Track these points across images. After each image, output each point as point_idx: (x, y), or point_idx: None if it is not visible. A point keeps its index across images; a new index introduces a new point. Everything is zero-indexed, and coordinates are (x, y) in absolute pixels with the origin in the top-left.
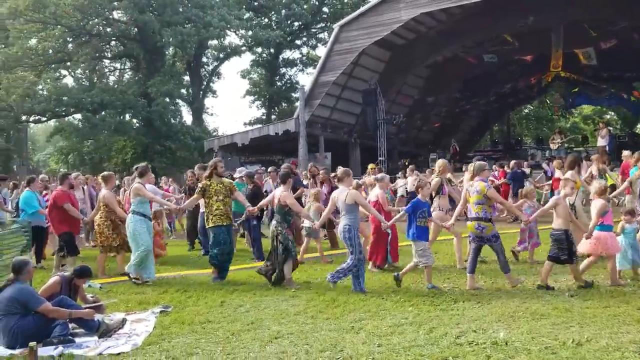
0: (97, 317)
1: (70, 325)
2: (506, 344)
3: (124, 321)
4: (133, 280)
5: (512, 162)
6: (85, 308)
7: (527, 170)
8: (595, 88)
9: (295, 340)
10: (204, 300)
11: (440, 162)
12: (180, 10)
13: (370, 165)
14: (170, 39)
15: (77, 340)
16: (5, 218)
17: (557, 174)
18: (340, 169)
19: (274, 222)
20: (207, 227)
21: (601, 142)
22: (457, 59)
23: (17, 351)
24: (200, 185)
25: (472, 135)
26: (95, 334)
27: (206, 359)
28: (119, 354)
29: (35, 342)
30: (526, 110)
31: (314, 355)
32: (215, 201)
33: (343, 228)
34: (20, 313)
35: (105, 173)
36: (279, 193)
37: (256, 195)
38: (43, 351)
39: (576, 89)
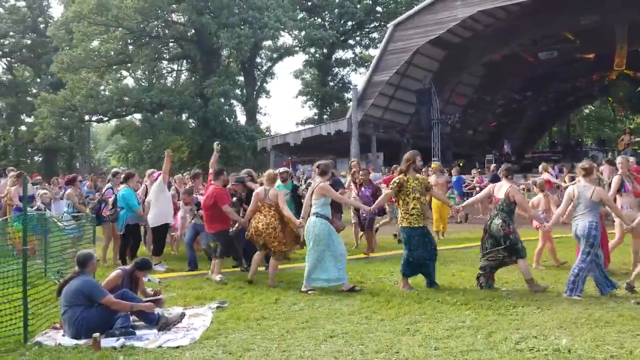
0: (157, 310)
1: (131, 318)
2: (569, 351)
3: (182, 315)
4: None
5: (492, 166)
6: (146, 301)
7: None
8: None
9: (350, 340)
10: (259, 297)
11: (620, 159)
12: (237, 12)
13: (434, 164)
14: (227, 41)
15: (138, 332)
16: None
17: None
18: (585, 162)
19: (498, 220)
20: (401, 225)
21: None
22: (514, 57)
23: (81, 341)
24: (396, 180)
25: (529, 136)
26: (155, 327)
27: (262, 356)
28: (177, 347)
29: (98, 333)
30: (587, 111)
31: (370, 355)
32: (412, 199)
33: (589, 225)
34: (85, 305)
35: (270, 171)
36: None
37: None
38: (106, 342)
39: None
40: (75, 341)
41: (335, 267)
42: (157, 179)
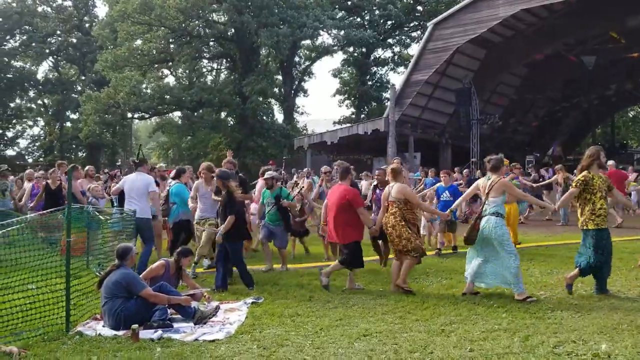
0: (193, 304)
1: (169, 311)
2: (609, 357)
3: (217, 308)
4: (528, 300)
5: (465, 171)
6: (184, 295)
7: (632, 177)
8: None
9: (384, 339)
10: (293, 294)
11: None
12: (276, 11)
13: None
14: (266, 40)
15: (175, 325)
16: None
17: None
18: None
19: None
20: (586, 228)
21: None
22: (558, 57)
23: (120, 332)
24: (580, 178)
25: (572, 138)
26: (191, 320)
27: (296, 352)
28: (213, 340)
29: (137, 325)
30: (632, 112)
31: (403, 355)
32: (598, 198)
33: None
34: (124, 297)
35: (395, 166)
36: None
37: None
38: (143, 334)
39: None
40: (114, 332)
41: (506, 270)
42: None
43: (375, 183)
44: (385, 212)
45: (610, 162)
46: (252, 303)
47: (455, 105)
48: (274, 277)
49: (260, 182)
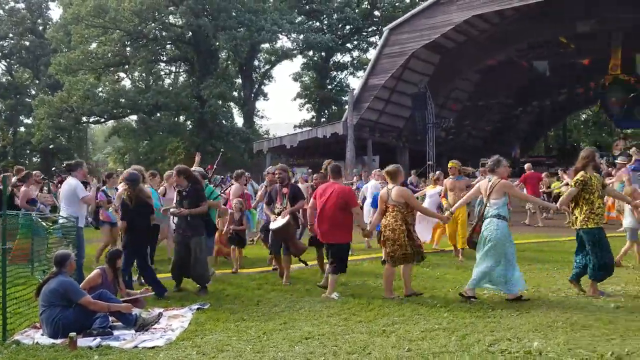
0: (135, 311)
1: (110, 318)
2: (540, 354)
3: (160, 316)
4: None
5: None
6: (124, 302)
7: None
8: None
9: (325, 341)
10: (241, 299)
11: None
12: (234, 14)
13: (452, 163)
14: (224, 43)
15: (115, 332)
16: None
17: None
18: None
19: None
20: (586, 227)
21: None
22: (510, 63)
23: (58, 341)
24: (579, 178)
25: (525, 141)
26: (132, 328)
27: (235, 356)
28: (153, 347)
29: (75, 333)
30: (584, 116)
31: (342, 356)
32: (596, 197)
33: None
34: (62, 305)
35: (390, 168)
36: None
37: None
38: (82, 342)
39: (632, 95)
40: (52, 340)
41: (508, 272)
42: None
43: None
44: (383, 214)
45: (527, 165)
46: (198, 309)
47: (411, 110)
48: (223, 282)
49: (234, 186)
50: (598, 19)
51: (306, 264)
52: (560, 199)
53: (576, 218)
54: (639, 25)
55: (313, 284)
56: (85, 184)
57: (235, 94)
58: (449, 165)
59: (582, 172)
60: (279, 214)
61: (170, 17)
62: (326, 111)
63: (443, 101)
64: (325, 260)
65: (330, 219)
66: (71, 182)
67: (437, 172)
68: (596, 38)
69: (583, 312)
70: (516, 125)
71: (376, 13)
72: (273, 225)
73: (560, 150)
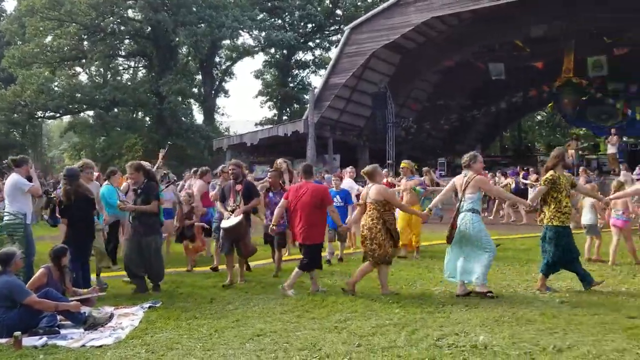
0: (85, 310)
1: (59, 317)
2: (485, 347)
3: (111, 315)
4: (488, 294)
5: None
6: (73, 301)
7: (533, 177)
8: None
9: (277, 338)
10: (194, 297)
11: None
12: (194, 10)
13: (404, 163)
14: (184, 39)
15: (63, 331)
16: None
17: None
18: None
19: None
20: (550, 224)
21: (611, 149)
22: (467, 64)
23: (3, 340)
24: (548, 177)
25: (482, 141)
26: (81, 327)
27: (184, 354)
28: (100, 346)
29: (19, 332)
30: (539, 117)
31: (292, 353)
32: (564, 196)
33: None
34: (6, 305)
35: (368, 168)
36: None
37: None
38: (28, 341)
39: (584, 97)
40: None
41: (477, 263)
42: None
43: (268, 187)
44: (363, 213)
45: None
46: (149, 307)
47: (372, 109)
48: (177, 280)
49: (198, 182)
50: (551, 24)
51: (249, 269)
52: (531, 196)
53: (544, 215)
54: (590, 29)
55: (268, 282)
56: (29, 179)
57: (196, 90)
58: (402, 165)
59: (551, 171)
60: (232, 212)
61: (129, 11)
62: (288, 109)
63: (403, 101)
64: (287, 257)
65: (306, 219)
66: (13, 177)
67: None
68: (550, 42)
69: (529, 307)
70: (473, 126)
71: (338, 12)
72: (225, 224)
73: (515, 151)
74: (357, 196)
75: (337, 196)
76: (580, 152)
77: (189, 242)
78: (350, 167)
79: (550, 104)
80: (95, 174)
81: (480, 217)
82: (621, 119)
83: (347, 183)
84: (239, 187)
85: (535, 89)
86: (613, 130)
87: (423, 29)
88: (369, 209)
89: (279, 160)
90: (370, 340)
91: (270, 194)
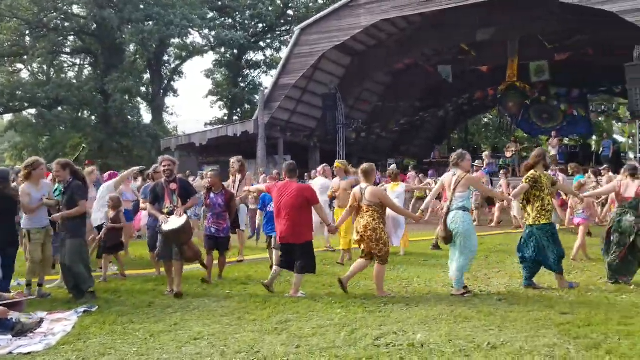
0: (14, 315)
1: None
2: (422, 346)
3: (41, 321)
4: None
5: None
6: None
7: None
8: (546, 110)
9: (215, 341)
10: (132, 301)
11: None
12: (142, 7)
13: (337, 163)
14: (130, 36)
15: None
16: None
17: None
18: None
19: (631, 217)
20: (538, 223)
21: (552, 151)
22: (416, 67)
23: None
24: (530, 175)
25: (431, 143)
26: (9, 333)
27: None
28: (29, 353)
29: None
30: (485, 120)
31: (229, 356)
32: (546, 195)
33: None
34: None
35: (366, 166)
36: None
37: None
38: None
39: (527, 101)
40: None
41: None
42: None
43: (209, 187)
44: (356, 214)
45: (393, 166)
46: (84, 312)
47: (322, 110)
48: (115, 284)
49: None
50: (496, 29)
51: (204, 266)
52: (514, 191)
53: (529, 215)
54: (533, 35)
55: (210, 284)
56: None
57: (144, 89)
58: (335, 165)
59: (532, 170)
60: (169, 214)
61: (74, 7)
62: (239, 109)
63: (353, 102)
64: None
65: (292, 219)
66: None
67: (392, 167)
68: (495, 47)
69: (467, 304)
70: (423, 128)
71: (290, 12)
72: (166, 227)
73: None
74: (332, 198)
75: None
76: (524, 154)
77: (111, 251)
78: (325, 164)
79: (494, 108)
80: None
81: (470, 216)
82: (561, 120)
83: (319, 182)
84: (173, 186)
85: (481, 92)
86: (554, 133)
87: (373, 31)
88: (367, 210)
89: (233, 159)
90: (310, 341)
91: (212, 195)
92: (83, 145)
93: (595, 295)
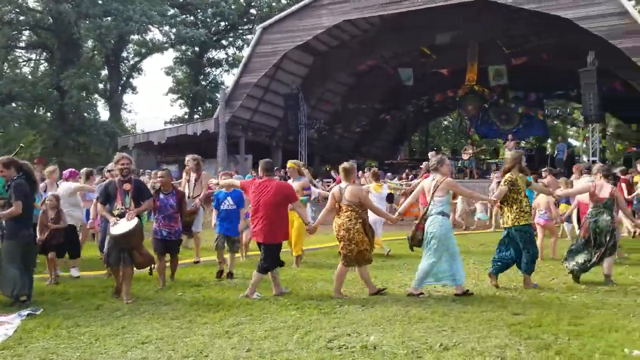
0: None
1: None
2: (374, 348)
3: None
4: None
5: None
6: None
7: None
8: (504, 111)
9: (162, 345)
10: (80, 304)
11: None
12: (100, 2)
13: (290, 163)
14: (87, 32)
15: None
16: None
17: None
18: None
19: (607, 217)
20: (517, 224)
21: (508, 154)
22: (378, 69)
23: None
24: (508, 178)
25: (392, 144)
26: None
27: None
28: None
29: None
30: (445, 122)
31: None
32: (523, 196)
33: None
34: None
35: (346, 164)
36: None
37: None
38: None
39: (486, 104)
40: None
41: (452, 266)
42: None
43: (158, 187)
44: (336, 214)
45: (304, 169)
46: (28, 315)
47: (284, 110)
48: (63, 286)
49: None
50: (455, 33)
51: (151, 272)
52: (495, 194)
53: (508, 217)
54: (491, 40)
55: (159, 287)
56: None
57: (101, 86)
58: (288, 165)
59: (509, 174)
60: (120, 216)
61: (29, 0)
62: (200, 108)
63: (316, 102)
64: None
65: (269, 217)
66: None
67: (373, 169)
68: (454, 50)
69: (422, 305)
70: (384, 129)
71: (253, 11)
72: (116, 230)
73: (422, 154)
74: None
75: (229, 198)
76: (482, 156)
77: (54, 254)
78: (303, 162)
79: (454, 110)
80: None
81: (449, 221)
82: (518, 123)
83: (294, 184)
84: (127, 186)
85: (441, 94)
86: (510, 136)
87: (335, 32)
88: (345, 210)
89: (188, 157)
90: (261, 345)
91: (161, 195)
92: (21, 144)
93: (547, 295)
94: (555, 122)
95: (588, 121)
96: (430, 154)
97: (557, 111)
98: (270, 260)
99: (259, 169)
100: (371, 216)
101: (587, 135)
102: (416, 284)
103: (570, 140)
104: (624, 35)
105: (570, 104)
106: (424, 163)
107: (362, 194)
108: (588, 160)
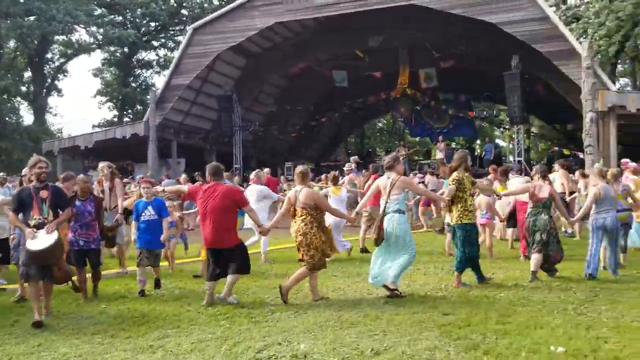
0: None
1: None
2: (305, 356)
3: None
4: (398, 293)
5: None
6: None
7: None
8: (436, 111)
9: None
10: None
11: None
12: (21, 1)
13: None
14: (7, 31)
15: None
16: None
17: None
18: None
19: (545, 216)
20: (460, 223)
21: (439, 155)
22: (311, 71)
23: None
24: (455, 177)
25: (328, 146)
26: None
27: None
28: None
29: None
30: (380, 124)
31: None
32: (469, 196)
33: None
34: None
35: (301, 168)
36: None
37: None
38: None
39: (417, 107)
40: None
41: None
42: None
43: (73, 194)
44: (292, 217)
45: (266, 169)
46: None
47: (218, 112)
48: None
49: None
50: (386, 36)
51: (77, 289)
52: (445, 193)
53: (452, 215)
54: (420, 43)
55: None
56: None
57: (24, 88)
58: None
59: (455, 173)
60: (37, 227)
61: None
62: (130, 110)
63: (250, 104)
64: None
65: (219, 223)
66: None
67: (332, 172)
68: (386, 53)
69: (354, 309)
70: (320, 131)
71: (184, 12)
72: (33, 246)
73: (358, 156)
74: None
75: (149, 207)
76: (415, 157)
77: None
78: (258, 170)
79: (388, 113)
80: None
81: (406, 218)
82: (449, 123)
83: (255, 189)
84: (44, 193)
85: (375, 97)
86: (440, 138)
87: (268, 34)
88: (301, 213)
89: (102, 164)
90: (187, 358)
91: (78, 202)
92: None
93: (476, 294)
94: (483, 124)
95: (513, 122)
96: (352, 158)
97: (485, 113)
98: (241, 259)
99: (207, 173)
100: (332, 218)
101: (512, 136)
102: (391, 283)
103: (497, 140)
104: (545, 39)
105: (497, 106)
106: (371, 165)
107: (316, 196)
108: (514, 160)
